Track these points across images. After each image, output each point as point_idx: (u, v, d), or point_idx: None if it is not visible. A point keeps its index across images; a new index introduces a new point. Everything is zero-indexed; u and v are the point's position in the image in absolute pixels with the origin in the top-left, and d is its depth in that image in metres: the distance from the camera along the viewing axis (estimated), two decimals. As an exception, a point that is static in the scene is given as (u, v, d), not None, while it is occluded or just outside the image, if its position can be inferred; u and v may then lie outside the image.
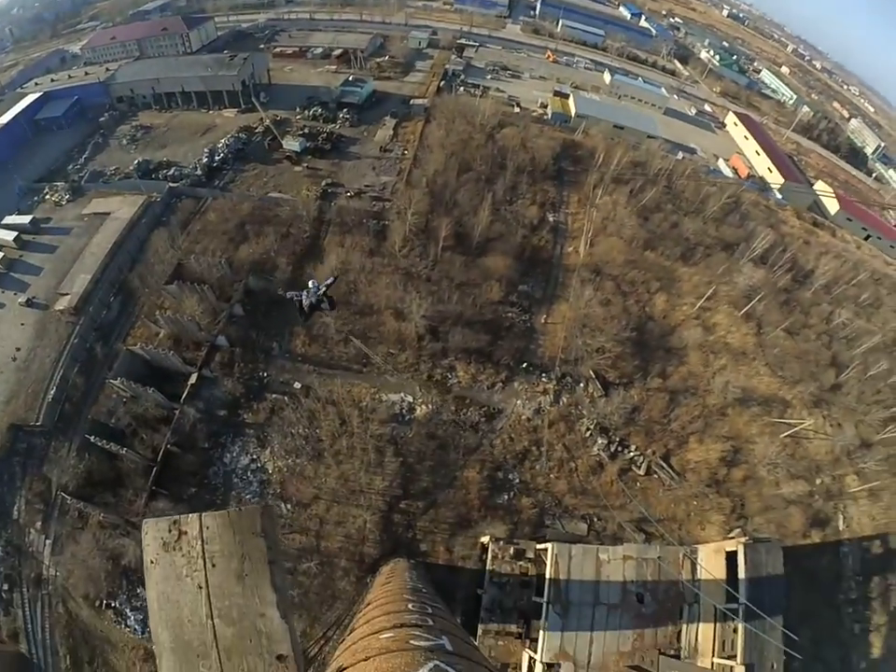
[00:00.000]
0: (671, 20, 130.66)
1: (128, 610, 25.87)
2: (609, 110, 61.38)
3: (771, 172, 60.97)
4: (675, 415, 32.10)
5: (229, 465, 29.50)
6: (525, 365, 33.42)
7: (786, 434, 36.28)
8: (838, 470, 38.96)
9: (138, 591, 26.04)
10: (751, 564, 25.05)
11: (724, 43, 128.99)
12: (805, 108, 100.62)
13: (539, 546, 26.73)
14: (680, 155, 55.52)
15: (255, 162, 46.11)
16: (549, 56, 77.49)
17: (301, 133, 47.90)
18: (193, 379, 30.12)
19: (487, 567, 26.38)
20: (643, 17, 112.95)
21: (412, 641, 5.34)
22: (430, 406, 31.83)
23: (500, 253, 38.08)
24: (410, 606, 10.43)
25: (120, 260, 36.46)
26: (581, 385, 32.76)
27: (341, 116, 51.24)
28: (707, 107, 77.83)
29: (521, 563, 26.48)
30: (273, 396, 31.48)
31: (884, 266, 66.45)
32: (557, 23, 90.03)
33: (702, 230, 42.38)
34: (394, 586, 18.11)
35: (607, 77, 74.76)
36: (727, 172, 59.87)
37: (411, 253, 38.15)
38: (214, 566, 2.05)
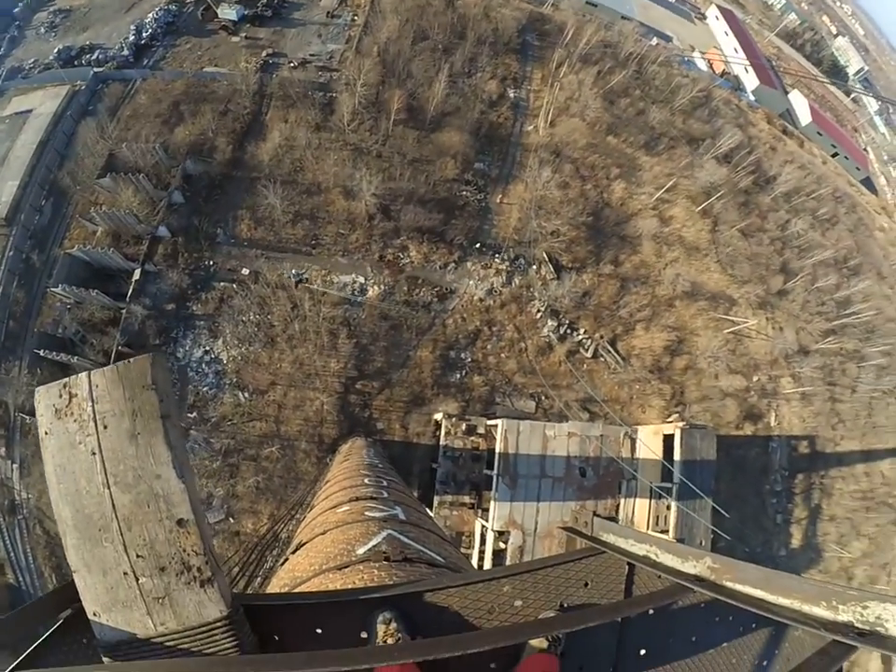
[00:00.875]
0: None
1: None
2: (582, -13, 62.13)
3: (747, 72, 64.63)
4: (624, 302, 35.59)
5: (182, 359, 31.51)
6: (478, 245, 35.49)
7: (729, 331, 41.80)
8: (775, 371, 46.48)
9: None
10: (687, 447, 29.32)
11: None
12: (793, 15, 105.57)
13: (489, 422, 30.21)
14: (655, 41, 56.43)
15: (187, 36, 45.06)
16: None
17: (237, 0, 46.08)
18: (137, 275, 31.13)
19: (441, 443, 29.87)
20: None
21: (367, 513, 6.32)
22: (382, 287, 34.09)
23: (456, 128, 38.53)
24: (366, 480, 11.76)
25: (48, 160, 35.96)
26: (534, 267, 35.33)
27: None
28: None
29: (472, 438, 30.17)
30: (222, 284, 33.11)
31: (846, 185, 74.90)
32: None
33: (669, 120, 44.44)
34: (351, 463, 19.92)
35: None
36: (702, 65, 62.40)
37: (360, 127, 38.59)
38: (105, 427, 2.04)
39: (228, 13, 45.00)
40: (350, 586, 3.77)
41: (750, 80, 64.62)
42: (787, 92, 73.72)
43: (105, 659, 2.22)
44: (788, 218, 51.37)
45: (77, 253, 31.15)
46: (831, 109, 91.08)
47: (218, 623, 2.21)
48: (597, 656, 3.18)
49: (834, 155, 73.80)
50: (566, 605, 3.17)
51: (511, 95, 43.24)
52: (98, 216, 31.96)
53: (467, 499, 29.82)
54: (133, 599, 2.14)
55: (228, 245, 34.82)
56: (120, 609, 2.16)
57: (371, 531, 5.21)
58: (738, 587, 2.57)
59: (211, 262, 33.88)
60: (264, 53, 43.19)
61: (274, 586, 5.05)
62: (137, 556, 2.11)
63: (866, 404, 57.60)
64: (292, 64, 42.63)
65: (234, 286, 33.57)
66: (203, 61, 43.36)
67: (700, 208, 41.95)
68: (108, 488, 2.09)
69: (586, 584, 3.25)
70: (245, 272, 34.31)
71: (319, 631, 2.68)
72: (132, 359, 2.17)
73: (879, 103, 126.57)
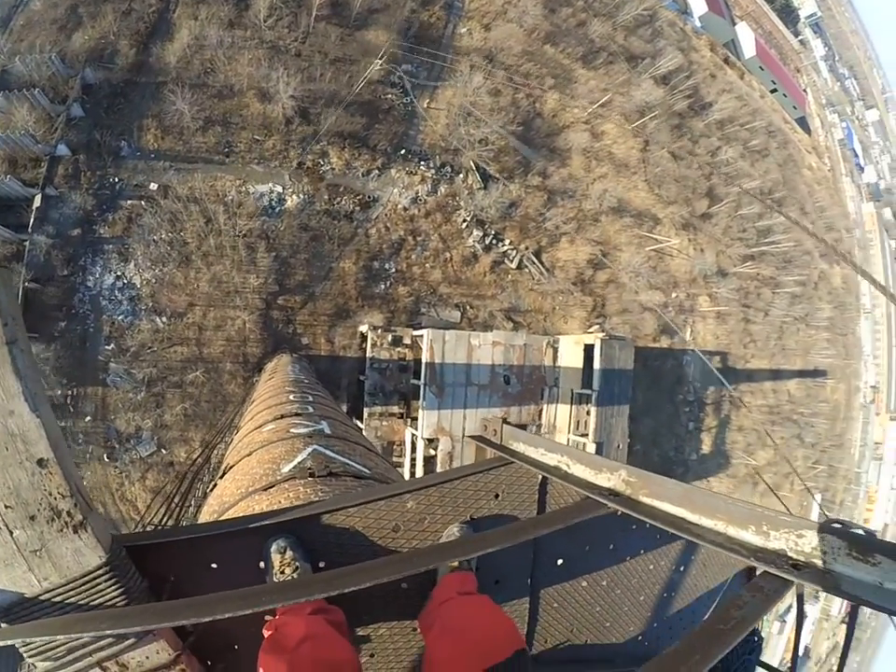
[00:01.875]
0: None
1: None
2: None
3: (695, -3, 64.26)
4: (550, 215, 35.66)
5: (93, 288, 29.32)
6: (403, 151, 34.16)
7: (652, 248, 43.02)
8: (693, 290, 48.75)
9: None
10: (606, 356, 30.34)
11: None
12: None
13: (415, 333, 30.30)
14: (603, -51, 55.36)
15: None
16: None
17: None
18: (38, 202, 28.28)
19: (367, 355, 29.84)
20: None
21: (291, 430, 6.01)
22: (302, 196, 32.37)
23: (383, 27, 36.09)
24: (291, 397, 11.28)
25: (-65, 82, 30.58)
26: (461, 175, 34.63)
27: None
28: None
29: (399, 349, 30.28)
30: (129, 202, 30.50)
31: (781, 122, 76.67)
32: None
33: (610, 35, 43.42)
34: (276, 381, 19.17)
35: None
36: None
37: (278, 24, 35.23)
38: None
39: None
40: (276, 506, 3.59)
41: (699, 5, 63.08)
42: (734, 23, 72.85)
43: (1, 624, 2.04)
44: (719, 146, 52.27)
45: None
46: (776, 47, 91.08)
47: (100, 571, 2.02)
48: (513, 569, 3.07)
49: (773, 91, 74.67)
50: (474, 517, 3.01)
51: (444, -6, 40.49)
52: None
53: (396, 409, 30.55)
54: (11, 556, 1.94)
55: (133, 159, 31.80)
56: (3, 569, 1.96)
57: (297, 448, 5.11)
58: (656, 503, 2.35)
59: (116, 179, 31.01)
60: None
61: (205, 514, 4.87)
62: (6, 507, 1.88)
63: (777, 328, 62.09)
64: None
65: (143, 203, 30.96)
66: None
67: (633, 126, 41.89)
68: (-39, 433, 1.84)
69: (497, 496, 3.09)
70: (154, 186, 31.51)
71: (215, 566, 2.49)
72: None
73: (826, 48, 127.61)
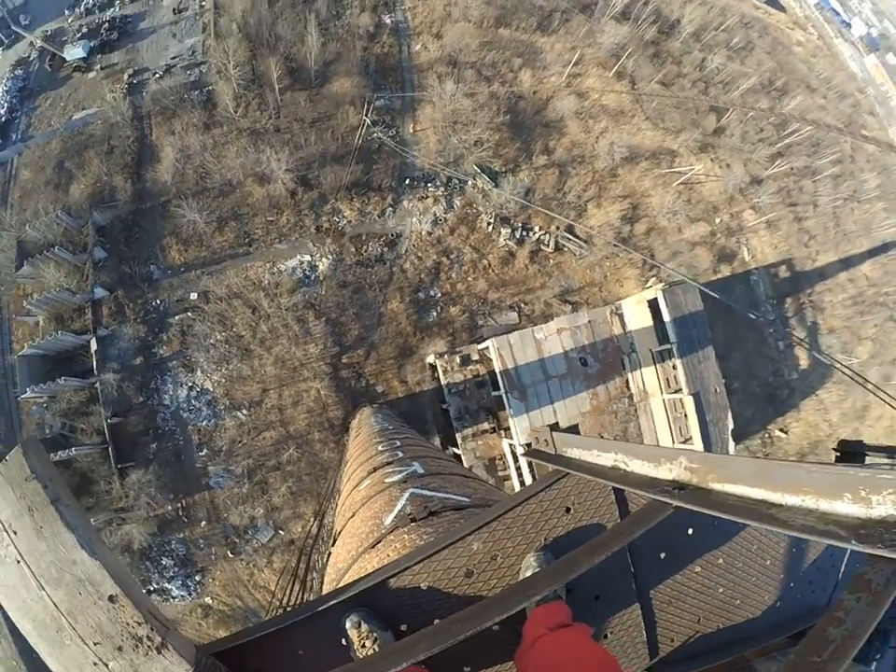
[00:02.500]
0: None
1: (166, 585, 29.28)
2: None
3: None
4: (568, 187, 35.07)
5: (171, 405, 31.15)
6: (407, 181, 34.51)
7: (679, 182, 41.43)
8: (734, 208, 46.43)
9: (163, 562, 29.66)
10: (672, 305, 29.49)
11: None
12: None
13: (480, 347, 30.23)
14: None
15: (44, 93, 42.36)
16: None
17: (80, 35, 43.93)
18: (94, 345, 30.49)
19: (442, 382, 29.96)
20: None
21: (386, 480, 6.09)
22: (330, 257, 33.30)
23: (344, 74, 36.88)
24: (379, 447, 11.46)
25: (-39, 272, 34.09)
26: (469, 182, 34.48)
27: None
28: None
29: (470, 367, 30.21)
30: (177, 318, 32.35)
31: (752, 10, 73.33)
32: None
33: (553, -7, 44.10)
34: (362, 436, 19.96)
35: None
36: None
37: (248, 109, 37.05)
38: (16, 533, 2.04)
39: (75, 52, 42.58)
40: (385, 561, 3.61)
41: (625, -68, 61.84)
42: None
43: None
44: (703, 57, 50.33)
45: (30, 351, 30.47)
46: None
47: (191, 682, 2.25)
48: (611, 579, 2.82)
49: (731, -17, 72.06)
50: (549, 539, 2.84)
51: (388, 21, 41.09)
52: (33, 306, 31.32)
53: (486, 426, 30.25)
54: None
55: (167, 278, 34.00)
56: (111, 698, 2.28)
57: (394, 496, 5.18)
58: (729, 488, 2.05)
59: (158, 301, 33.13)
60: (126, 76, 41.19)
61: (326, 584, 4.99)
62: (95, 644, 2.10)
63: (831, 215, 58.33)
64: (157, 75, 40.60)
65: (189, 314, 32.98)
66: (69, 110, 41.12)
67: (613, 72, 40.88)
68: (43, 589, 2.06)
69: (568, 510, 2.88)
70: (194, 296, 33.60)
71: (301, 653, 2.58)
72: (7, 457, 2.16)
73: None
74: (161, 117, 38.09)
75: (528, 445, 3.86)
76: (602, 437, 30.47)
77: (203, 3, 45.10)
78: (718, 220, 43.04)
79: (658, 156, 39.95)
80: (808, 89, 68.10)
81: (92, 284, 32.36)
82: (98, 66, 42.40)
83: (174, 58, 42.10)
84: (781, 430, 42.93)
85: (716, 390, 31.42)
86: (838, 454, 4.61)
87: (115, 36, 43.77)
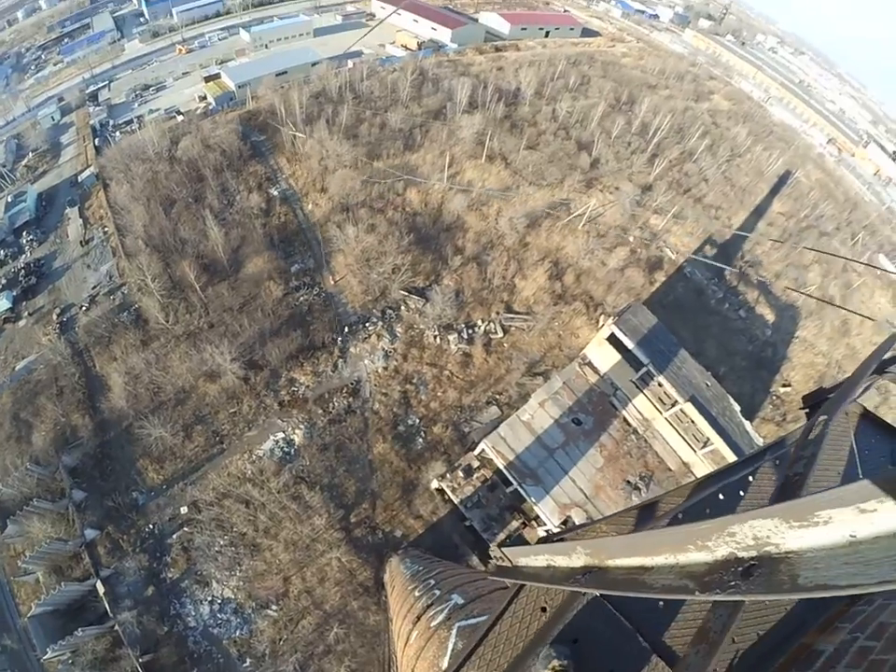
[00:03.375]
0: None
1: None
2: (263, 65, 63.20)
3: (436, 30, 71.11)
4: (490, 273, 37.39)
5: (198, 625, 29.96)
6: (346, 329, 35.99)
7: (582, 224, 44.90)
8: (640, 221, 50.01)
9: None
10: (629, 332, 30.61)
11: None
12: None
13: (476, 453, 30.88)
14: (351, 63, 59.85)
15: None
16: (180, 50, 77.41)
17: (0, 288, 45.68)
18: (101, 588, 29.72)
19: (456, 502, 30.19)
20: None
21: (431, 624, 6.44)
22: (302, 426, 33.80)
23: (254, 253, 39.29)
24: (416, 594, 11.68)
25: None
26: (402, 307, 36.34)
27: (25, 241, 49.62)
28: (350, 7, 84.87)
29: (475, 476, 30.73)
30: (175, 536, 31.80)
31: (572, 48, 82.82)
32: (172, 16, 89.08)
33: (407, 114, 47.19)
34: (397, 588, 19.52)
35: (245, 36, 76.58)
36: (399, 53, 66.96)
37: (178, 315, 38.68)
38: None
39: (0, 305, 43.80)
40: None
41: (444, 33, 70.49)
42: (476, 20, 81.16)
43: None
44: (552, 108, 56.29)
45: (38, 610, 29.43)
46: (519, 4, 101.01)
47: None
48: (616, 646, 3.03)
49: (547, 34, 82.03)
50: (539, 642, 3.08)
51: (276, 193, 44.49)
52: (28, 564, 30.60)
53: (515, 524, 30.20)
54: None
55: (152, 500, 33.46)
56: None
57: (443, 638, 5.26)
58: (618, 562, 2.41)
59: (150, 526, 32.56)
60: (55, 316, 42.60)
61: None
62: None
63: (723, 181, 63.86)
64: (84, 308, 42.27)
65: (186, 528, 32.24)
66: (10, 362, 41.55)
67: (485, 157, 45.04)
68: None
69: (544, 609, 3.13)
70: (184, 510, 33.11)
71: None
72: None
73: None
74: (99, 346, 39.28)
75: (497, 566, 3.99)
76: (628, 481, 30.93)
77: (106, 228, 47.88)
78: (631, 238, 46.40)
79: (555, 209, 43.44)
80: (650, 88, 76.54)
81: (81, 527, 31.78)
82: (26, 313, 43.82)
83: (94, 287, 43.99)
84: (784, 385, 44.16)
85: (707, 385, 32.49)
86: (807, 410, 5.08)
87: (34, 281, 45.72)
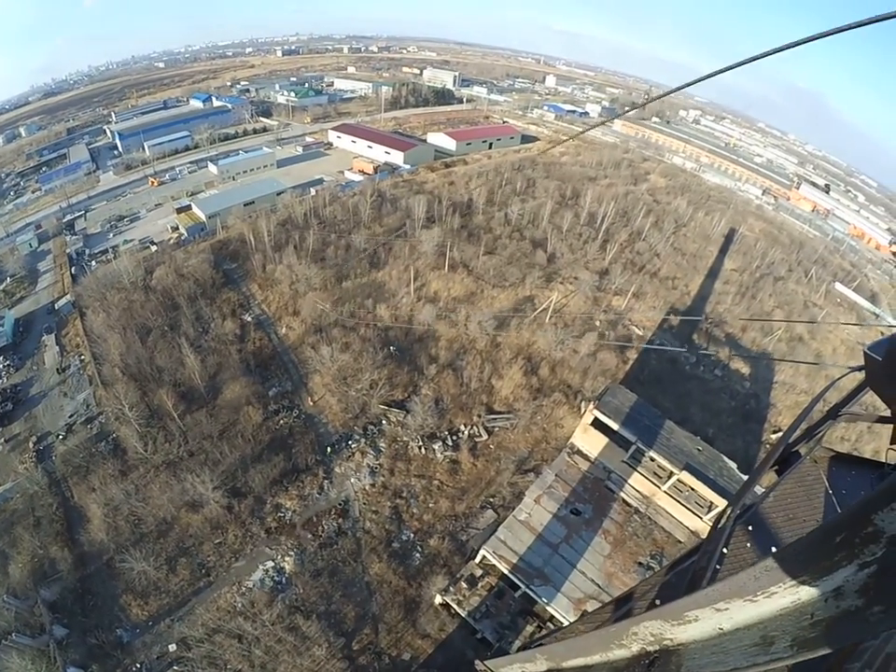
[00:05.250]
0: (238, 86, 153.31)
1: None
2: (231, 196, 68.20)
3: (389, 153, 78.99)
4: (467, 377, 38.95)
5: None
6: (328, 448, 36.42)
7: (549, 318, 47.82)
8: (603, 304, 53.39)
9: None
10: (612, 413, 31.63)
11: (292, 78, 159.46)
12: (385, 87, 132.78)
13: (477, 561, 30.41)
14: (313, 191, 65.43)
15: None
16: (152, 182, 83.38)
17: None
18: None
19: (463, 615, 29.17)
20: (214, 98, 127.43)
21: None
22: (292, 552, 32.97)
23: (231, 379, 40.17)
24: None
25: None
26: (384, 422, 37.20)
27: (2, 367, 49.72)
28: (309, 139, 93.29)
29: (479, 584, 30.07)
30: None
31: (514, 155, 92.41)
32: (144, 149, 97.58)
33: (370, 234, 51.22)
34: None
35: (213, 168, 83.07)
36: (357, 178, 72.97)
37: (157, 444, 38.45)
38: None
39: None
40: None
41: (397, 156, 78.38)
42: (425, 140, 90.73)
43: None
44: (504, 213, 61.99)
45: None
46: (464, 120, 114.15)
47: None
48: None
49: (490, 146, 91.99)
50: None
51: (249, 319, 46.52)
52: None
53: (529, 629, 29.14)
54: None
55: (137, 638, 31.33)
56: None
57: None
58: (570, 664, 2.73)
59: (138, 665, 30.30)
60: (31, 444, 42.05)
61: None
62: None
63: (674, 251, 69.35)
64: (61, 436, 41.82)
65: (175, 667, 30.12)
66: None
67: (447, 268, 48.73)
68: None
69: None
70: (173, 647, 30.95)
71: None
72: None
73: (485, 86, 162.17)
74: (77, 476, 38.40)
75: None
76: (639, 563, 30.49)
77: (83, 356, 48.48)
78: (598, 323, 49.57)
79: (520, 308, 46.49)
80: (590, 180, 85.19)
81: (63, 665, 29.59)
82: (2, 440, 42.74)
83: (71, 416, 43.68)
84: (775, 432, 44.96)
85: (699, 450, 33.02)
86: (776, 468, 5.21)
87: (10, 407, 45.12)
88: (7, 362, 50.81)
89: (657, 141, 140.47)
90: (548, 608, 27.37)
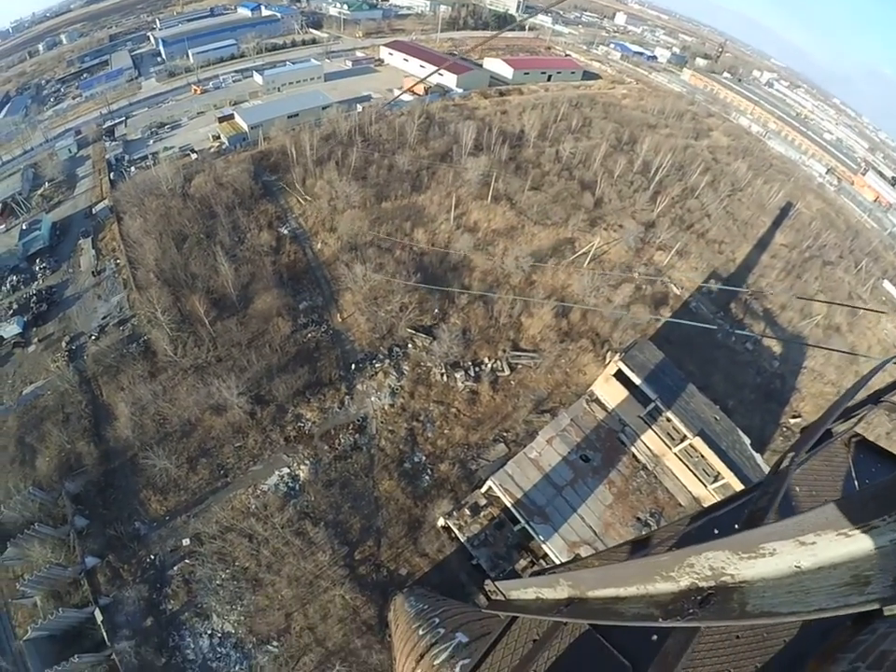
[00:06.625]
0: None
1: None
2: (275, 107, 66.20)
3: (442, 75, 75.33)
4: (497, 311, 38.13)
5: (196, 658, 29.50)
6: (353, 366, 36.62)
7: (587, 262, 46.45)
8: (644, 258, 51.39)
9: None
10: (637, 368, 30.78)
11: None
12: (443, 7, 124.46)
13: (483, 490, 30.95)
14: (360, 107, 62.80)
15: None
16: (195, 90, 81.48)
17: (11, 312, 46.95)
18: (99, 616, 29.41)
19: (462, 540, 30.03)
20: (262, 7, 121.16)
21: (435, 663, 6.86)
22: (307, 462, 34.06)
23: (263, 290, 40.27)
24: (420, 632, 11.92)
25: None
26: (409, 345, 37.01)
27: (38, 269, 51.16)
28: (360, 53, 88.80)
29: (482, 514, 30.70)
30: (176, 568, 31.57)
31: (574, 91, 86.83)
32: (188, 57, 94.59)
33: (415, 156, 49.29)
34: (401, 625, 19.27)
35: (258, 78, 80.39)
36: (407, 98, 68.24)
37: (187, 348, 39.36)
38: None
39: (11, 329, 45.00)
40: None
41: (450, 79, 74.02)
42: (481, 65, 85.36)
43: None
44: (555, 150, 58.52)
45: (34, 634, 29.13)
46: (521, 49, 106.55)
47: None
48: None
49: (549, 78, 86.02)
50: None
51: (286, 232, 46.05)
52: (27, 587, 30.36)
53: (523, 563, 29.85)
54: None
55: (154, 531, 33.25)
56: None
57: None
58: (597, 594, 2.53)
59: (152, 556, 32.35)
60: (64, 344, 43.40)
61: None
62: None
63: (726, 216, 65.28)
64: (93, 337, 43.05)
65: (187, 560, 32.00)
66: (17, 386, 42.10)
67: (490, 199, 46.73)
68: None
69: (535, 641, 3.31)
70: (187, 542, 32.71)
71: None
72: None
73: (549, 14, 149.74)
74: (107, 376, 39.82)
75: (489, 599, 4.00)
76: (638, 518, 30.81)
77: (118, 260, 49.32)
78: (636, 275, 47.47)
79: (559, 249, 44.69)
80: (650, 127, 79.45)
81: (81, 554, 31.62)
82: (36, 339, 44.66)
83: (104, 318, 44.96)
84: (794, 416, 44.13)
85: (716, 419, 32.43)
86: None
87: (45, 308, 46.77)
88: (44, 264, 52.04)
89: (725, 98, 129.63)
90: (543, 545, 27.94)
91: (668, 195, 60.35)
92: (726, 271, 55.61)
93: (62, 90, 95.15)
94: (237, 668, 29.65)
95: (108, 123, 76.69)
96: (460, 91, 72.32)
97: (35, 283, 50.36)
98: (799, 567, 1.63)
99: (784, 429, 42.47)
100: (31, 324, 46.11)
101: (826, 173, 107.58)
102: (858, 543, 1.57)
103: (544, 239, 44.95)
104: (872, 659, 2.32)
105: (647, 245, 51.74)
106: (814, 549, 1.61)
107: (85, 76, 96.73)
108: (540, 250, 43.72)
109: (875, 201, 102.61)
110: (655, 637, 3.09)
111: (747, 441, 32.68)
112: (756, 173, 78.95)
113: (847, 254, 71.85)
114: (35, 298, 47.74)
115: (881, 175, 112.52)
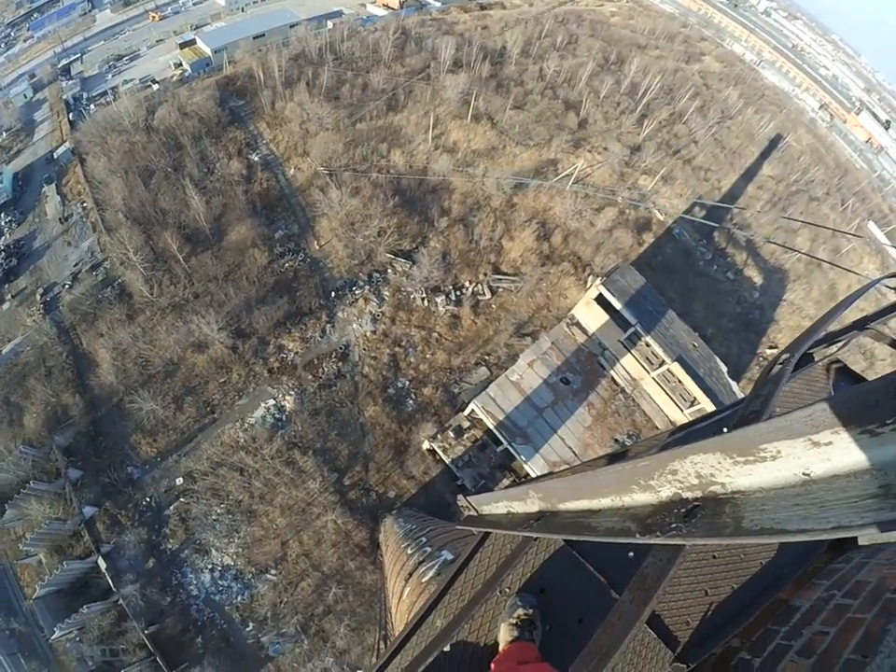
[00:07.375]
0: None
1: None
2: (239, 29, 61.39)
3: (419, -13, 70.00)
4: (477, 235, 37.16)
5: (199, 593, 30.77)
6: (332, 293, 35.94)
7: (571, 184, 44.79)
8: (629, 182, 49.80)
9: None
10: (617, 292, 30.48)
11: None
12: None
13: (466, 413, 31.37)
14: (330, 24, 58.58)
15: None
16: (153, 17, 75.53)
17: None
18: (103, 564, 30.36)
19: (447, 462, 30.84)
20: None
21: (422, 580, 6.56)
22: (292, 392, 34.08)
23: (236, 221, 38.79)
24: (408, 551, 11.71)
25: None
26: (389, 270, 36.25)
27: (3, 223, 48.68)
28: None
29: (466, 436, 31.35)
30: (172, 507, 32.33)
31: (560, 7, 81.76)
32: None
33: (389, 74, 46.28)
34: (391, 546, 20.60)
35: None
36: (381, 12, 65.20)
37: (163, 287, 38.36)
38: None
39: None
40: None
41: (430, -8, 68.93)
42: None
43: None
44: (539, 67, 55.27)
45: (43, 591, 30.03)
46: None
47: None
48: (588, 597, 3.00)
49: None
50: (507, 589, 3.09)
51: (257, 159, 43.72)
52: (30, 546, 31.09)
53: (506, 482, 30.93)
54: None
55: (147, 474, 33.77)
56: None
57: (433, 592, 5.72)
58: (567, 506, 2.36)
59: (147, 499, 33.08)
60: (38, 297, 42.07)
61: None
62: None
63: (713, 143, 63.36)
64: (67, 286, 41.59)
65: (182, 499, 32.78)
66: None
67: (470, 117, 44.41)
68: None
69: (507, 557, 3.17)
70: (180, 481, 33.36)
71: None
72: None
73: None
74: (85, 324, 39.08)
75: (466, 516, 3.99)
76: (616, 439, 31.65)
77: (85, 204, 46.87)
78: (620, 199, 46.28)
79: (542, 170, 43.11)
80: (639, 48, 75.22)
81: (79, 505, 32.18)
82: (9, 296, 43.14)
83: (76, 265, 43.27)
84: (771, 347, 44.90)
85: (694, 346, 32.90)
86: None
87: (14, 263, 44.98)
88: (9, 218, 49.37)
89: (720, 23, 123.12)
90: (525, 465, 28.62)
91: (656, 119, 58.03)
92: (711, 198, 54.55)
93: (12, 34, 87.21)
94: (239, 598, 31.01)
95: (63, 62, 71.00)
96: (438, 4, 67.28)
97: (2, 238, 48.11)
98: (807, 474, 1.27)
99: (761, 359, 43.16)
100: (2, 281, 44.43)
101: (819, 108, 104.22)
102: (890, 446, 1.13)
103: (526, 160, 43.24)
104: (847, 588, 2.26)
105: (632, 168, 50.19)
106: (829, 451, 1.22)
107: (35, 15, 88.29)
108: (522, 171, 42.14)
109: (867, 142, 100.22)
110: (632, 555, 2.89)
111: (724, 368, 33.15)
112: (747, 102, 76.06)
113: (833, 191, 70.83)
114: (3, 254, 45.66)
115: (875, 116, 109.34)
